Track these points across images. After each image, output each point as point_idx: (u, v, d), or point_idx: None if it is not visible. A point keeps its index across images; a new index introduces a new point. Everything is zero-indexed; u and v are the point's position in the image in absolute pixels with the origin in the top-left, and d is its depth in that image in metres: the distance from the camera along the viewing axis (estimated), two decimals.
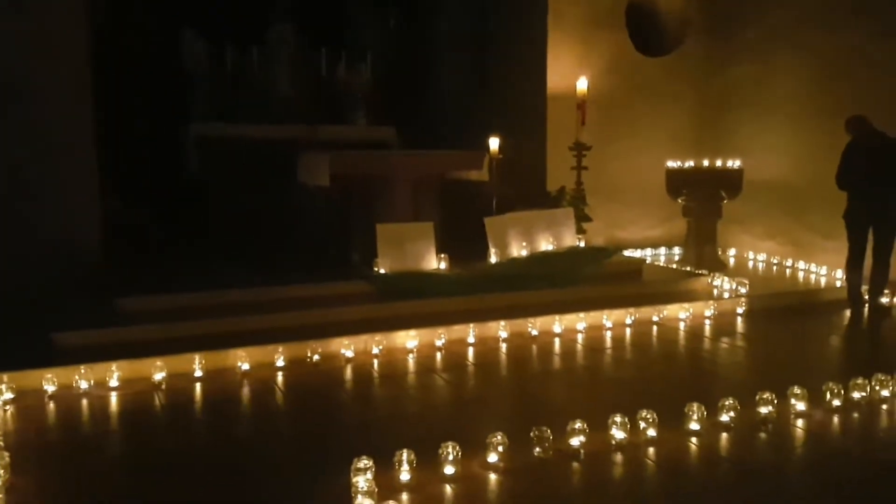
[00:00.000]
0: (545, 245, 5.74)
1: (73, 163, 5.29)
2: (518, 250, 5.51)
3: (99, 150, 5.49)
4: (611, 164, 6.73)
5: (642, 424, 2.96)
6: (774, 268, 6.45)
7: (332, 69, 7.35)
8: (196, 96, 6.80)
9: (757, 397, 3.21)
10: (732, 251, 6.94)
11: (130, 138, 6.17)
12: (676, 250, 6.96)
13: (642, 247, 7.00)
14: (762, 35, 6.72)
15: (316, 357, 3.95)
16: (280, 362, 3.89)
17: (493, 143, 5.58)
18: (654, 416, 2.97)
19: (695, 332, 4.68)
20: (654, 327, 4.74)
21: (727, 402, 3.13)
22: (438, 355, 4.14)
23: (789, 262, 6.41)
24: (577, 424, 2.86)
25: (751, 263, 6.66)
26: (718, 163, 6.29)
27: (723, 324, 4.84)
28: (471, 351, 4.22)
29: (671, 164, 6.38)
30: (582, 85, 6.22)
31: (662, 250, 7.04)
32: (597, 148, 6.31)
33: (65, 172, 5.23)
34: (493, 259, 5.29)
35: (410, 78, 7.64)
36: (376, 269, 4.91)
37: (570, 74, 6.56)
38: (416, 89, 7.64)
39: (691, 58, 7.09)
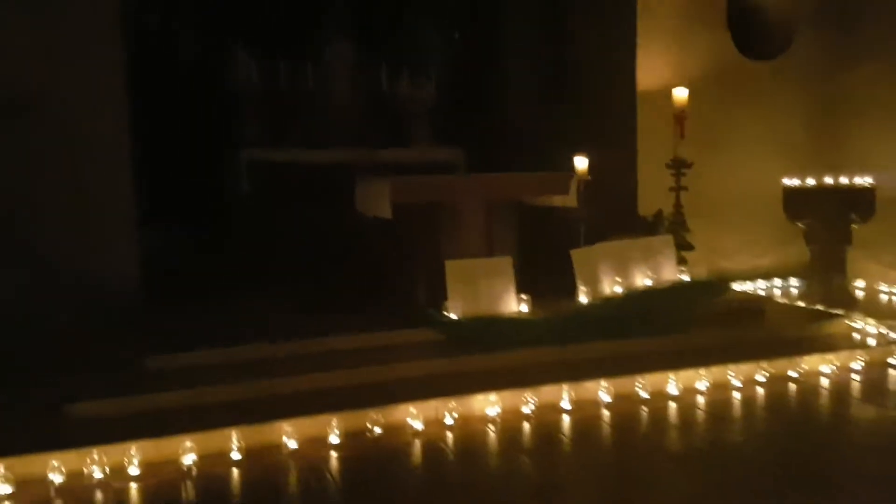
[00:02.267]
0: (642, 280, 4.90)
1: (107, 187, 4.74)
2: (611, 287, 4.69)
3: (137, 175, 4.96)
4: (711, 181, 5.81)
5: None
6: None
7: (393, 86, 6.77)
8: (246, 117, 6.28)
9: None
10: (859, 283, 5.92)
11: (173, 163, 5.65)
12: (793, 282, 5.99)
13: (751, 278, 6.03)
14: (888, 28, 5.74)
15: (377, 430, 3.22)
16: (334, 437, 3.16)
17: (580, 162, 4.79)
18: None
19: (844, 392, 3.74)
20: (792, 385, 3.83)
21: None
22: (525, 425, 3.35)
23: None
24: None
25: (883, 297, 5.64)
26: (845, 180, 5.33)
27: (877, 381, 3.89)
28: (566, 420, 3.41)
29: (789, 181, 5.44)
30: (681, 93, 5.37)
31: (777, 282, 6.05)
32: (694, 163, 5.45)
33: (96, 197, 4.69)
34: (583, 299, 4.48)
35: (477, 93, 6.96)
36: (445, 313, 4.16)
37: (663, 79, 5.73)
38: (483, 105, 6.95)
39: (804, 58, 6.13)
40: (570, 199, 4.56)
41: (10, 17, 4.47)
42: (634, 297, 4.54)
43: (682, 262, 5.34)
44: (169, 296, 4.64)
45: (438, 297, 4.20)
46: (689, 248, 5.42)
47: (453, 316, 4.14)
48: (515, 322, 4.14)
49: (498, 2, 6.85)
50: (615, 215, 5.63)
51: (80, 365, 3.70)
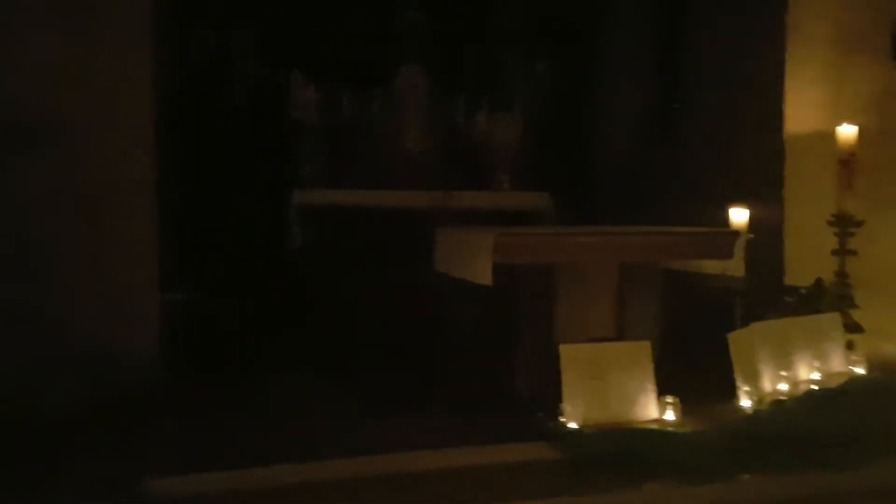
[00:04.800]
0: (808, 372, 3.72)
1: (122, 236, 3.83)
2: (774, 383, 3.51)
3: (163, 224, 4.03)
4: (874, 243, 4.60)
5: None
6: None
7: (471, 120, 5.80)
8: (298, 157, 5.33)
9: None
10: None
11: (208, 210, 4.70)
12: None
13: None
14: None
15: None
16: None
17: (738, 215, 3.65)
18: None
19: None
20: None
21: None
22: None
23: None
24: None
25: None
26: None
27: None
28: None
29: None
30: (848, 131, 4.24)
31: None
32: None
33: (111, 249, 3.76)
34: (745, 402, 3.30)
35: (569, 130, 5.94)
36: (560, 418, 3.03)
37: (815, 116, 4.61)
38: (576, 144, 5.93)
39: None
40: (733, 266, 3.40)
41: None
42: (811, 404, 3.33)
43: (849, 347, 4.13)
44: (196, 378, 3.61)
45: (550, 395, 3.07)
46: (859, 329, 4.20)
47: (572, 424, 3.00)
48: (662, 438, 2.97)
49: (599, 24, 5.86)
50: (757, 284, 4.45)
51: (60, 481, 2.66)
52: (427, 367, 3.45)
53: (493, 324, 3.36)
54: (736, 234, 3.40)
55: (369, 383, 3.43)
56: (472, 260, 3.11)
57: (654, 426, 3.09)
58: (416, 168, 5.54)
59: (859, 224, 4.22)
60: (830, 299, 4.19)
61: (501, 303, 3.28)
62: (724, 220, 4.22)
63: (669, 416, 3.11)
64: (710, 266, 3.44)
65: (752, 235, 3.62)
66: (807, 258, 4.45)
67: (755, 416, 3.20)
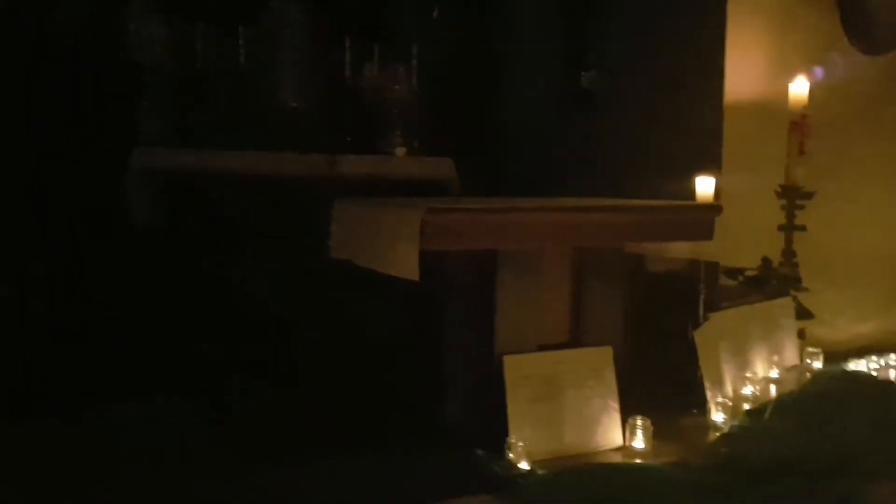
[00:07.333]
0: (766, 369, 3.24)
1: None
2: (739, 386, 2.96)
3: None
4: (808, 219, 4.21)
5: None
6: None
7: (359, 69, 4.93)
8: (146, 105, 4.25)
9: None
10: None
11: (21, 173, 3.55)
12: None
13: (854, 351, 4.39)
14: None
15: None
16: None
17: (704, 185, 3.04)
18: None
19: None
20: None
21: None
22: None
23: None
24: None
25: None
26: None
27: None
28: None
29: None
30: (800, 89, 3.75)
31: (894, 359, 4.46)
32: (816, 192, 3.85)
33: None
34: (718, 416, 2.70)
35: (473, 85, 5.19)
36: (510, 455, 2.29)
37: (756, 72, 4.12)
38: (481, 102, 5.20)
39: None
40: (702, 249, 2.77)
41: None
42: (794, 416, 2.78)
43: (800, 335, 3.71)
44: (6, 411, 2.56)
45: (492, 422, 2.33)
46: (809, 315, 3.77)
47: (522, 464, 2.26)
48: (633, 476, 2.30)
49: None
50: (686, 266, 3.91)
51: None
52: (324, 389, 2.59)
53: (412, 328, 2.55)
54: (718, 209, 2.77)
55: (247, 414, 2.52)
56: (389, 245, 2.27)
57: (619, 456, 2.44)
58: (292, 126, 4.62)
59: (809, 196, 3.77)
60: (777, 282, 3.73)
61: (423, 300, 2.48)
62: (651, 191, 3.65)
63: (639, 442, 2.45)
64: (678, 249, 2.81)
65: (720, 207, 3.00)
66: (743, 232, 3.96)
67: (733, 436, 2.60)
